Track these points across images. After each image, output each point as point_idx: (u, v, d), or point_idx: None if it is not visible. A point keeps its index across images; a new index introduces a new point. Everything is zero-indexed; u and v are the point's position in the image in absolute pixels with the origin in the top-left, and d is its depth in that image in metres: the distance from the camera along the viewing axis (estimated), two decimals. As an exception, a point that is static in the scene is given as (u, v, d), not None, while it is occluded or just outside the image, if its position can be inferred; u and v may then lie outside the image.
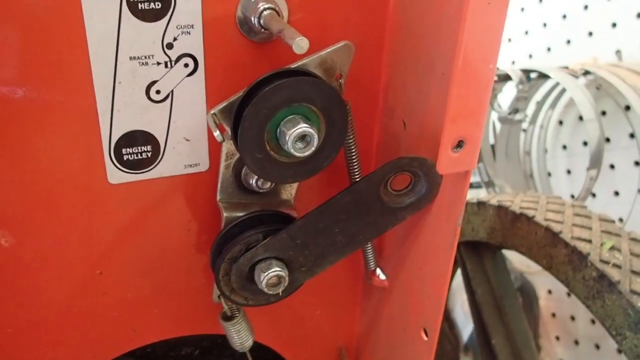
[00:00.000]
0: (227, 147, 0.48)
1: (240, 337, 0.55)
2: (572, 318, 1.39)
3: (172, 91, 0.46)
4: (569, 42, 1.31)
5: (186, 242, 0.54)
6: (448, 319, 1.43)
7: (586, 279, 0.74)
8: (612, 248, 0.75)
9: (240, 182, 0.50)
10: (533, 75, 1.27)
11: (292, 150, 0.40)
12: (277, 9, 0.44)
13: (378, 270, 0.59)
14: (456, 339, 1.41)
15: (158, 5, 0.42)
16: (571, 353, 1.41)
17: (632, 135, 1.18)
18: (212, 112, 0.43)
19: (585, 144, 1.31)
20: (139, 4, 0.42)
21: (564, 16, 1.32)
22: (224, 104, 0.43)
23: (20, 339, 0.52)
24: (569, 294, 1.39)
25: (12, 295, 0.50)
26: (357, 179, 0.50)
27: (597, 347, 1.32)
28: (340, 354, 0.70)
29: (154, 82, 0.45)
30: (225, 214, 0.50)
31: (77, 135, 0.45)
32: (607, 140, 1.22)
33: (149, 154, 0.48)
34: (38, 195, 0.46)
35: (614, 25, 1.19)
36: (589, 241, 0.76)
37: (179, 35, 0.44)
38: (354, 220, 0.47)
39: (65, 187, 0.47)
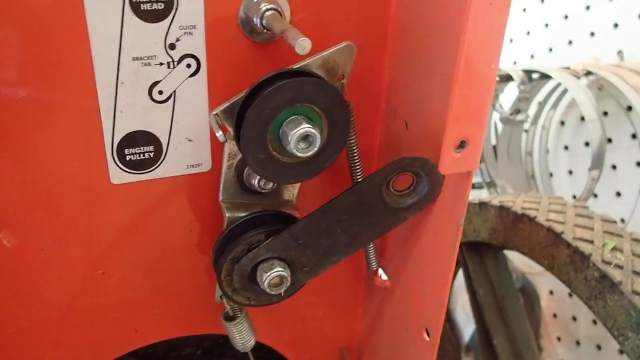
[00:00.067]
0: (230, 147, 0.48)
1: (242, 337, 0.55)
2: (574, 319, 1.39)
3: (174, 92, 0.46)
4: (570, 42, 1.31)
5: (188, 242, 0.54)
6: (449, 319, 1.43)
7: (588, 280, 0.74)
8: (614, 249, 0.75)
9: (243, 183, 0.50)
10: (535, 75, 1.27)
11: (294, 151, 0.40)
12: (280, 9, 0.43)
13: (380, 271, 0.59)
14: (457, 339, 1.41)
15: (161, 5, 0.42)
16: (573, 354, 1.40)
17: (634, 136, 1.18)
18: (215, 112, 0.43)
19: (587, 144, 1.30)
20: (142, 5, 0.42)
21: (566, 17, 1.32)
22: (227, 104, 0.43)
23: (21, 339, 0.52)
24: (570, 295, 1.39)
25: (13, 296, 0.50)
26: (359, 180, 0.50)
27: (599, 347, 1.32)
28: (342, 354, 0.70)
29: (156, 83, 0.45)
30: (227, 214, 0.50)
31: (80, 135, 0.45)
32: (609, 140, 1.22)
33: (152, 154, 0.48)
34: (40, 196, 0.46)
35: (616, 25, 1.19)
36: (591, 242, 0.76)
37: (181, 35, 0.44)
38: (356, 221, 0.47)
39: (67, 187, 0.47)
